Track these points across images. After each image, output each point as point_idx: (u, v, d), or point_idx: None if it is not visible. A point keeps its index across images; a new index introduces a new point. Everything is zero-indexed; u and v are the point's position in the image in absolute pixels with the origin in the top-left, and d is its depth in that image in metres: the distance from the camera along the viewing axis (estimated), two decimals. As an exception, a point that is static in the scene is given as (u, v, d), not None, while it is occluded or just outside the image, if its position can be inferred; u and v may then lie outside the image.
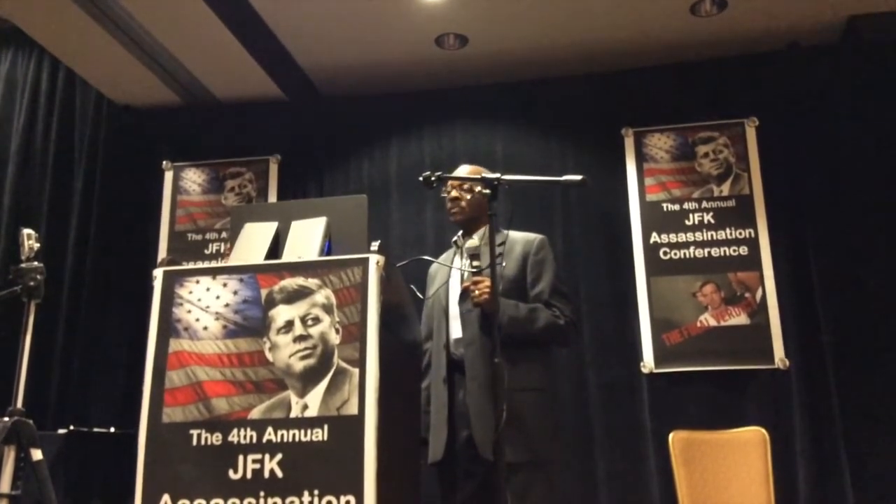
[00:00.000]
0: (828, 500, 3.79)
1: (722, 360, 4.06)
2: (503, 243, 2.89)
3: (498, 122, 4.66)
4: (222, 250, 4.53)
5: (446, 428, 2.71)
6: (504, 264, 2.85)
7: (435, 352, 2.87)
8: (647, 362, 4.12)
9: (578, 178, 2.45)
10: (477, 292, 2.65)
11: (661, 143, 4.45)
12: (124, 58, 4.33)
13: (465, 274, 2.80)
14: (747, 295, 4.14)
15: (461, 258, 2.94)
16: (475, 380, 2.72)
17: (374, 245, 2.02)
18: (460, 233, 3.01)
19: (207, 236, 4.69)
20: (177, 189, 4.80)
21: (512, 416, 2.64)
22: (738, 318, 4.12)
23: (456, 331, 2.82)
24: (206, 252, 4.63)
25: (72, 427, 3.80)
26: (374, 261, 1.98)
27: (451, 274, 2.91)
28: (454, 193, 2.91)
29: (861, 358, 3.93)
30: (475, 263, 2.67)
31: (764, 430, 3.79)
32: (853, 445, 3.82)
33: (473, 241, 2.75)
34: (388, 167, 4.71)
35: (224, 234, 4.60)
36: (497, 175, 2.44)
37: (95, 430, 3.88)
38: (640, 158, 4.45)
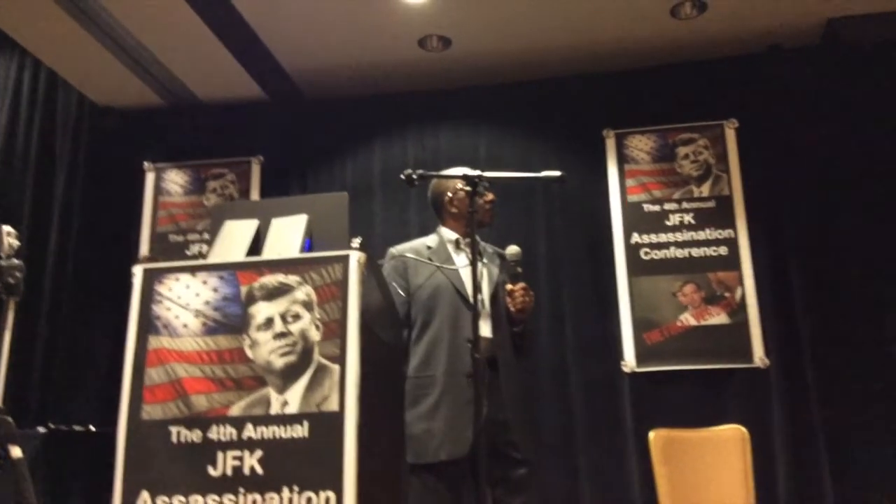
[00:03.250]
0: (807, 497, 3.83)
1: (702, 359, 4.10)
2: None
3: (481, 123, 4.68)
4: (204, 251, 4.52)
5: (472, 425, 2.67)
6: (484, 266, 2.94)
7: (451, 347, 2.85)
8: (629, 361, 4.15)
9: (557, 173, 2.51)
10: (528, 299, 2.86)
11: (641, 145, 4.48)
12: (106, 59, 4.32)
13: (491, 276, 2.95)
14: (727, 294, 4.18)
15: (470, 257, 2.93)
16: (511, 380, 2.86)
17: (356, 242, 2.02)
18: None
19: (189, 237, 4.68)
20: (158, 190, 4.78)
21: (526, 416, 2.93)
22: (718, 318, 4.15)
23: (482, 329, 2.82)
24: (188, 253, 4.62)
25: (51, 425, 3.78)
26: (356, 258, 1.98)
27: (463, 271, 2.93)
28: (491, 196, 2.99)
29: (839, 356, 3.98)
30: (519, 270, 2.88)
31: (744, 428, 3.82)
32: (832, 442, 3.86)
33: (514, 248, 2.91)
34: (371, 169, 4.72)
35: (206, 236, 4.59)
36: (478, 172, 2.48)
37: (75, 427, 3.86)
38: (621, 160, 4.49)
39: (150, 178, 4.80)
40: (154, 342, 1.95)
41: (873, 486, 3.79)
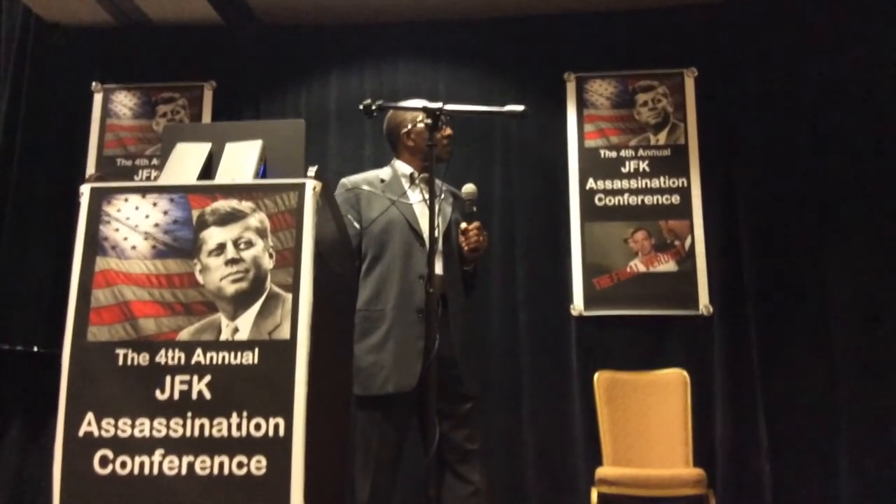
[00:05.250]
0: (743, 439, 3.95)
1: (649, 304, 4.17)
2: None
3: (441, 60, 4.60)
4: (152, 177, 4.42)
5: (420, 359, 2.69)
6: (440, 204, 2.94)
7: (401, 282, 2.83)
8: (577, 305, 4.20)
9: (520, 108, 2.50)
10: (482, 239, 2.88)
11: (601, 90, 4.47)
12: (53, -29, 4.12)
13: (444, 214, 2.93)
14: (676, 243, 4.24)
15: (425, 192, 2.90)
16: (459, 317, 2.88)
17: (312, 171, 1.98)
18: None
19: (137, 162, 4.56)
20: (106, 112, 4.63)
21: (472, 353, 2.95)
22: (667, 265, 4.22)
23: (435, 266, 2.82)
24: (136, 178, 4.50)
25: (-7, 345, 3.70)
26: (311, 186, 1.95)
27: (417, 206, 2.93)
28: (449, 131, 3.00)
29: (780, 307, 4.08)
30: (474, 209, 2.89)
31: (685, 372, 3.94)
32: (769, 388, 3.98)
33: (470, 186, 2.89)
34: (327, 100, 4.62)
35: (154, 161, 4.48)
36: (439, 105, 2.45)
37: (18, 348, 3.78)
38: (581, 104, 4.47)
39: (97, 99, 4.64)
40: (101, 263, 1.90)
41: (806, 432, 3.94)
